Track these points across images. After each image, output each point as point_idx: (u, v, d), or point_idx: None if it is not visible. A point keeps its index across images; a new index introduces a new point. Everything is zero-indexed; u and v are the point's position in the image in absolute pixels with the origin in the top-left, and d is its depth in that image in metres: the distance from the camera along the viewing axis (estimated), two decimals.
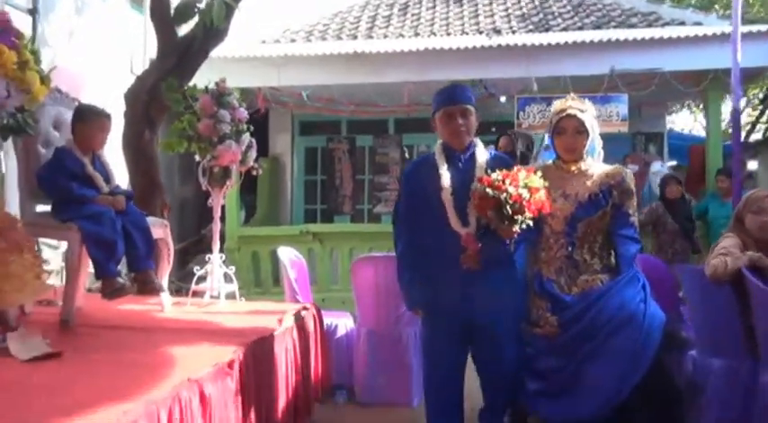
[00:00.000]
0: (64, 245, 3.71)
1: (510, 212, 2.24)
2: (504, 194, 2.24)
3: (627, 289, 2.46)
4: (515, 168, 2.39)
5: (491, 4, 8.85)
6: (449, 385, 2.56)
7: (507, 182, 2.26)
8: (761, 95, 10.61)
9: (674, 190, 5.53)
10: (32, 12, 4.14)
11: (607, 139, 6.54)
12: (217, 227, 3.65)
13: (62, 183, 2.77)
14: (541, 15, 8.27)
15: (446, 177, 2.47)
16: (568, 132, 2.54)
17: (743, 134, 13.12)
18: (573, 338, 2.41)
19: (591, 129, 2.55)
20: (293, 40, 8.12)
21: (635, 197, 2.57)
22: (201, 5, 3.70)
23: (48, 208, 2.95)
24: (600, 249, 2.55)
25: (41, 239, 3.25)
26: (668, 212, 5.42)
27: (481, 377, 2.61)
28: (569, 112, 2.52)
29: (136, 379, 1.84)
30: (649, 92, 6.47)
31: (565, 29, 7.70)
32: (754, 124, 12.00)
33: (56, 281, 3.75)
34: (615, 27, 7.63)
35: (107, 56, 5.62)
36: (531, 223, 2.32)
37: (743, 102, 15.04)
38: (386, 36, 8.08)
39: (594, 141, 2.61)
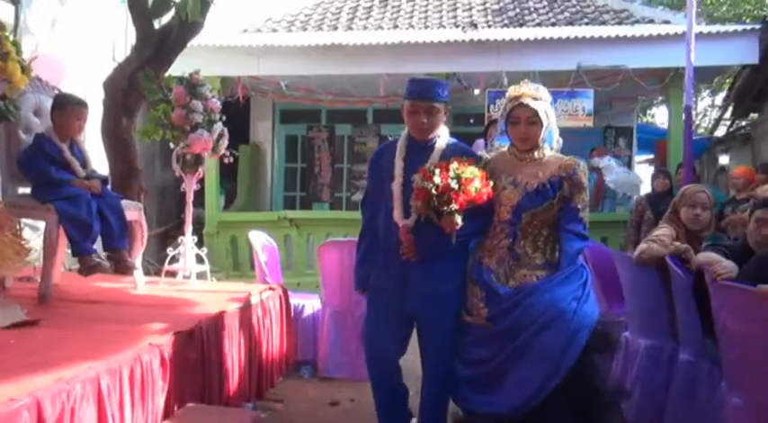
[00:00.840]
0: (43, 225, 3.93)
1: (436, 203, 2.25)
2: (431, 185, 2.24)
3: (561, 287, 2.34)
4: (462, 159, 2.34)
5: None
6: (383, 367, 2.59)
7: (437, 172, 2.26)
8: (721, 94, 10.91)
9: (662, 183, 5.59)
10: (15, 1, 4.29)
11: (577, 132, 6.90)
12: (189, 211, 3.86)
13: (41, 166, 2.97)
14: (518, 10, 8.50)
15: (399, 167, 2.47)
16: (521, 122, 2.40)
17: (710, 129, 13.51)
18: (500, 333, 2.36)
19: (545, 118, 2.40)
20: (274, 30, 8.28)
21: (586, 192, 2.43)
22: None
23: (28, 190, 3.15)
24: (544, 243, 2.43)
25: (24, 220, 3.45)
26: (654, 205, 5.43)
27: (422, 367, 2.61)
28: (522, 101, 2.38)
29: (104, 343, 2.08)
30: (617, 87, 6.73)
31: (539, 24, 7.94)
32: (717, 120, 12.33)
33: (37, 260, 3.95)
34: (587, 23, 7.87)
35: (89, 44, 5.77)
36: (459, 216, 2.29)
37: (710, 98, 15.39)
38: (365, 27, 8.26)
39: (552, 130, 2.48)
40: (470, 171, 2.31)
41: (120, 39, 6.28)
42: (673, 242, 2.95)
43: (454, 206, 2.25)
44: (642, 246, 3.05)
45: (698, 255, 2.59)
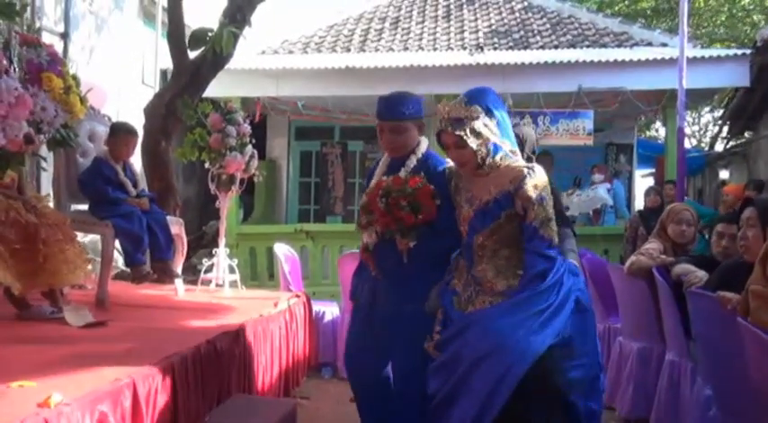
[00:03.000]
0: (89, 238, 4.32)
1: (364, 221, 2.30)
2: (363, 203, 2.28)
3: (508, 315, 2.02)
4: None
5: (476, 20, 9.49)
6: (362, 377, 2.54)
7: (376, 191, 2.27)
8: (721, 111, 11.27)
9: (653, 199, 6.00)
10: (64, 36, 4.72)
11: (578, 150, 7.26)
12: (222, 225, 4.26)
13: (99, 187, 3.37)
14: (522, 32, 8.92)
15: (373, 183, 2.41)
16: (450, 148, 2.17)
17: (707, 146, 13.87)
18: (443, 364, 2.12)
19: (476, 137, 2.09)
20: (291, 52, 8.74)
21: (541, 206, 2.07)
22: (212, 33, 4.29)
23: (81, 206, 3.55)
24: (506, 266, 2.12)
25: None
26: (646, 220, 5.73)
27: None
28: (442, 127, 2.14)
29: (165, 340, 2.45)
30: (615, 108, 7.12)
31: (542, 47, 8.35)
32: (715, 137, 12.69)
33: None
34: (588, 46, 8.28)
35: (122, 69, 6.21)
36: (402, 235, 2.23)
37: (710, 115, 15.73)
38: (377, 49, 8.71)
39: (496, 144, 2.13)
40: (401, 191, 2.23)
41: (149, 64, 6.72)
42: (659, 255, 3.30)
43: (376, 228, 2.26)
44: (632, 258, 3.41)
45: (675, 266, 2.93)
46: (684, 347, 3.01)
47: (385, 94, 2.45)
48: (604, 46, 8.24)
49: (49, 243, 2.63)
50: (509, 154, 2.16)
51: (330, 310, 4.67)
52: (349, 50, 8.62)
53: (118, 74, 6.15)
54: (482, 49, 8.24)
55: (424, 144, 2.45)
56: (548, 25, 9.13)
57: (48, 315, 2.78)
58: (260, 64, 7.62)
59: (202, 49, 4.54)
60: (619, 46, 8.21)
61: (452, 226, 2.25)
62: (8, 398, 1.62)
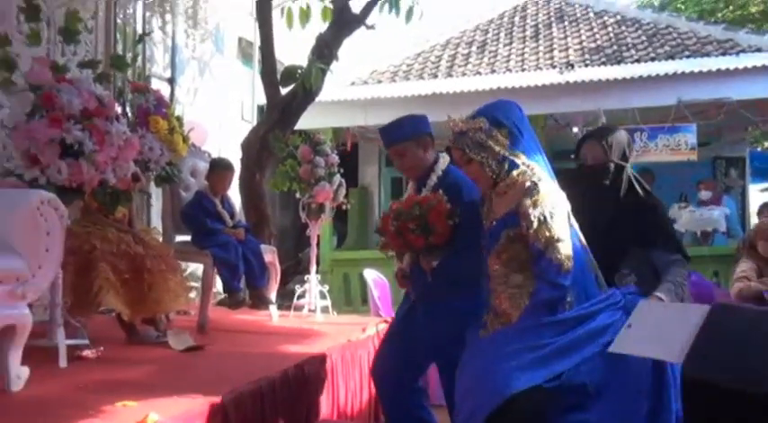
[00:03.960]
0: (192, 267, 4.63)
1: (381, 245, 2.35)
2: (377, 226, 2.34)
3: (502, 345, 1.83)
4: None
5: (566, 37, 9.27)
6: (383, 382, 2.54)
7: (389, 213, 2.29)
8: None
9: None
10: (171, 80, 5.17)
11: (682, 165, 6.85)
12: (314, 252, 4.41)
13: (200, 218, 3.61)
14: (615, 47, 8.59)
15: None
16: (460, 164, 2.07)
17: None
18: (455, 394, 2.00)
19: (479, 149, 1.95)
20: (379, 82, 8.96)
21: (543, 224, 1.83)
22: (302, 70, 4.52)
23: (184, 237, 3.81)
24: (519, 295, 1.89)
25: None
26: None
27: None
28: (449, 144, 2.06)
29: (260, 362, 2.57)
30: (720, 119, 6.67)
31: (637, 60, 7.99)
32: None
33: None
34: (689, 56, 7.82)
35: (222, 106, 6.66)
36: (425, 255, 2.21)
37: None
38: (464, 74, 8.72)
39: (511, 151, 1.96)
40: (408, 213, 2.21)
41: (248, 101, 7.16)
42: (760, 275, 3.12)
43: (390, 252, 2.30)
44: (738, 284, 3.21)
45: None
46: None
47: (385, 124, 2.51)
48: (707, 55, 7.75)
49: (154, 273, 2.86)
50: (526, 169, 1.94)
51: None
52: (436, 77, 8.70)
53: (219, 111, 6.59)
54: (572, 66, 8.03)
55: (443, 161, 2.43)
56: (643, 37, 8.74)
57: (153, 339, 3.00)
58: (349, 95, 7.88)
59: (293, 85, 4.79)
60: (723, 54, 7.69)
61: (472, 244, 2.08)
62: (112, 416, 1.77)
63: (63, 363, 2.39)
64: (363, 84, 8.92)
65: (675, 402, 1.79)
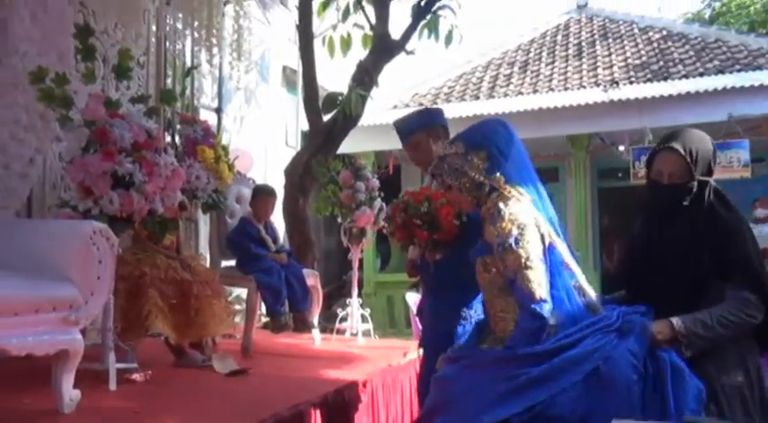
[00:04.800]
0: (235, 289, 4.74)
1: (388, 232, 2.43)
2: (387, 214, 2.38)
3: (487, 368, 1.75)
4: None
5: (610, 55, 9.16)
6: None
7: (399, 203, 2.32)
8: None
9: None
10: (218, 110, 5.37)
11: (736, 182, 6.60)
12: (355, 276, 4.45)
13: (244, 244, 3.71)
14: (661, 63, 8.43)
15: None
16: (444, 190, 2.04)
17: None
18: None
19: (455, 174, 1.89)
20: (421, 104, 9.02)
21: (508, 251, 1.73)
22: (342, 97, 4.62)
23: (229, 262, 3.92)
24: (505, 320, 1.80)
25: None
26: None
27: None
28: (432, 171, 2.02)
29: (296, 389, 2.61)
30: None
31: (685, 76, 7.82)
32: None
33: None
34: (739, 70, 7.60)
35: (267, 133, 6.85)
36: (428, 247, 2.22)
37: None
38: (506, 94, 8.71)
39: (487, 176, 1.85)
40: (416, 208, 2.20)
41: (292, 126, 7.33)
42: None
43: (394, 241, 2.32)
44: None
45: None
46: None
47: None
48: (758, 68, 7.51)
49: (200, 298, 2.95)
50: (503, 192, 1.80)
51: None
52: (478, 98, 8.72)
53: (265, 138, 6.78)
54: (617, 84, 7.92)
55: None
56: (691, 52, 8.55)
57: (199, 363, 3.08)
58: (391, 118, 7.90)
59: (334, 111, 4.89)
60: None
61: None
62: None
63: (113, 386, 2.48)
64: (405, 107, 9.01)
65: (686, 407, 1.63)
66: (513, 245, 1.71)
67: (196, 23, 4.16)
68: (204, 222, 4.31)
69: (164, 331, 2.80)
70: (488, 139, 1.88)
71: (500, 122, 1.97)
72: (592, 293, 1.82)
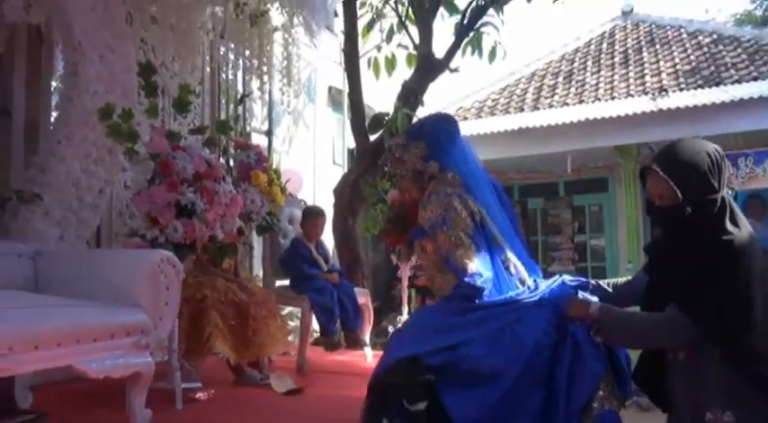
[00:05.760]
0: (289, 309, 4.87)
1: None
2: None
3: (418, 317, 2.12)
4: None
5: (658, 61, 8.99)
6: None
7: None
8: None
9: None
10: (268, 133, 5.55)
11: None
12: (405, 293, 4.52)
13: (297, 265, 3.83)
14: (712, 68, 8.23)
15: None
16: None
17: None
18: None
19: (399, 163, 2.08)
20: (465, 118, 9.06)
21: (439, 233, 1.87)
22: (389, 117, 4.72)
23: (282, 282, 4.04)
24: (442, 294, 1.99)
25: None
26: None
27: None
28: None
29: (348, 407, 2.67)
30: None
31: (737, 81, 7.61)
32: None
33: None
34: None
35: (315, 152, 7.01)
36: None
37: None
38: (551, 105, 8.65)
39: (424, 163, 2.02)
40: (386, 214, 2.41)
41: (338, 145, 7.48)
42: None
43: None
44: None
45: None
46: None
47: None
48: None
49: (257, 319, 3.07)
50: (439, 178, 1.98)
51: None
52: (522, 110, 8.70)
53: (312, 157, 6.95)
54: (666, 91, 7.77)
55: None
56: (743, 56, 8.32)
57: (258, 381, 3.19)
58: None
59: (381, 131, 4.99)
60: None
61: None
62: None
63: (179, 405, 2.62)
64: None
65: (580, 387, 1.68)
66: (443, 226, 1.86)
67: (247, 53, 4.37)
68: (257, 243, 4.45)
69: (224, 352, 2.92)
70: (428, 132, 2.05)
71: (444, 118, 2.13)
72: (521, 269, 1.93)
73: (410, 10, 5.41)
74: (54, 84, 3.52)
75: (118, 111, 2.81)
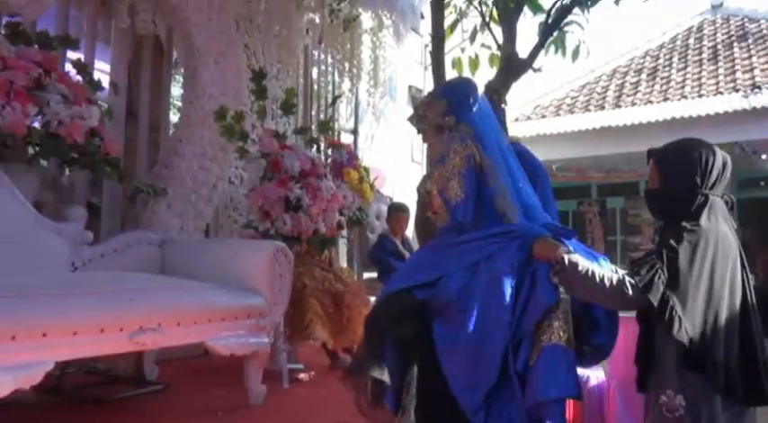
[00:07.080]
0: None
1: None
2: None
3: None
4: None
5: (750, 57, 8.60)
6: None
7: None
8: None
9: None
10: (354, 132, 5.76)
11: None
12: None
13: (384, 259, 4.02)
14: None
15: None
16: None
17: None
18: None
19: (422, 119, 2.19)
20: (543, 116, 9.01)
21: (439, 166, 2.03)
22: None
23: (370, 274, 4.24)
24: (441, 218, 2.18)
25: None
26: None
27: None
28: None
29: None
30: None
31: None
32: None
33: None
34: None
35: (395, 150, 7.20)
36: None
37: None
38: (634, 103, 8.46)
39: (443, 118, 2.11)
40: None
41: (417, 143, 7.63)
42: None
43: None
44: None
45: None
46: None
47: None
48: None
49: (351, 307, 3.27)
50: (456, 134, 2.05)
51: (595, 375, 4.60)
52: (603, 108, 8.54)
53: (393, 154, 7.14)
54: (759, 88, 7.45)
55: None
56: None
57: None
58: (513, 132, 8.03)
59: None
60: None
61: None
62: None
63: (285, 384, 2.85)
64: (527, 120, 9.03)
65: (528, 316, 1.81)
66: (440, 162, 2.04)
67: (339, 56, 4.60)
68: (342, 238, 4.68)
69: (323, 337, 3.14)
70: (449, 91, 2.20)
71: (465, 81, 2.30)
72: (512, 207, 2.00)
73: (494, 10, 5.47)
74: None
75: (231, 112, 3.08)
